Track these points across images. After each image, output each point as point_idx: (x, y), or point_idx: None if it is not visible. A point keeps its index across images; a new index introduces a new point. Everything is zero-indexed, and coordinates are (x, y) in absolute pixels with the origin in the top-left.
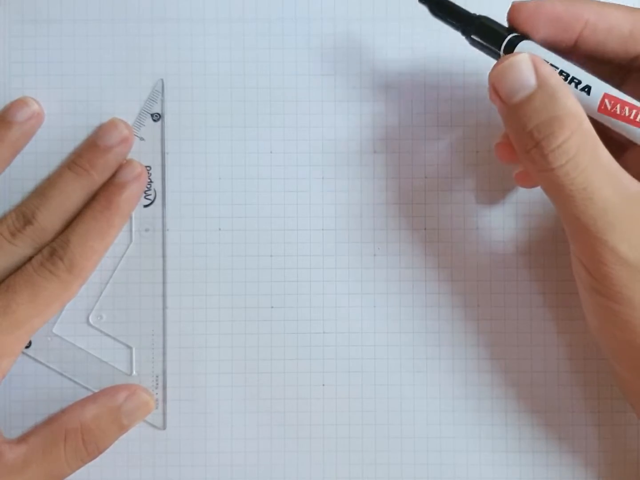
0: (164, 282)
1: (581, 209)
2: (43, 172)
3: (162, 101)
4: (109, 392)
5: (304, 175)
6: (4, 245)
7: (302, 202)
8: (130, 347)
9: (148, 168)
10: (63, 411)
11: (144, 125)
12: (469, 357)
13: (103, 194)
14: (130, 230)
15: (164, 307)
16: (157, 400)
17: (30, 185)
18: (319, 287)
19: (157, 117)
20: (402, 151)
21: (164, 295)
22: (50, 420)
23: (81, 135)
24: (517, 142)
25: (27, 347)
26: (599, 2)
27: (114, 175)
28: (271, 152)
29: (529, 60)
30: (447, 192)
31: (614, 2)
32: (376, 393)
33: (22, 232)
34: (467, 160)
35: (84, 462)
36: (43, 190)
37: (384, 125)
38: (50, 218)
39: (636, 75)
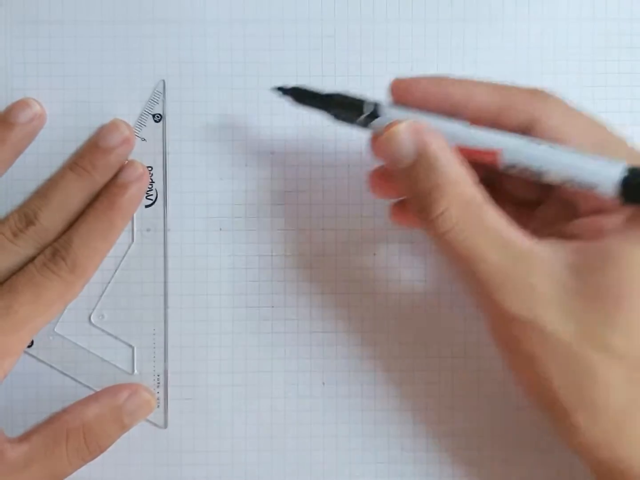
0: (165, 282)
1: (471, 270)
2: (45, 173)
3: (164, 102)
4: (111, 391)
5: (304, 175)
6: (6, 245)
7: (302, 202)
8: (131, 346)
9: (149, 168)
10: (65, 410)
11: (146, 126)
12: (467, 355)
13: (105, 195)
14: (132, 230)
15: (166, 307)
16: (158, 399)
17: (31, 186)
18: (319, 286)
19: (158, 117)
20: None
21: (165, 295)
22: (52, 419)
23: (83, 136)
24: (408, 201)
25: (29, 346)
26: (469, 81)
27: (116, 176)
28: (271, 153)
29: (409, 130)
30: None
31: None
32: (376, 392)
33: (24, 232)
34: None
35: (86, 461)
36: (45, 191)
37: None
38: (52, 218)
39: None
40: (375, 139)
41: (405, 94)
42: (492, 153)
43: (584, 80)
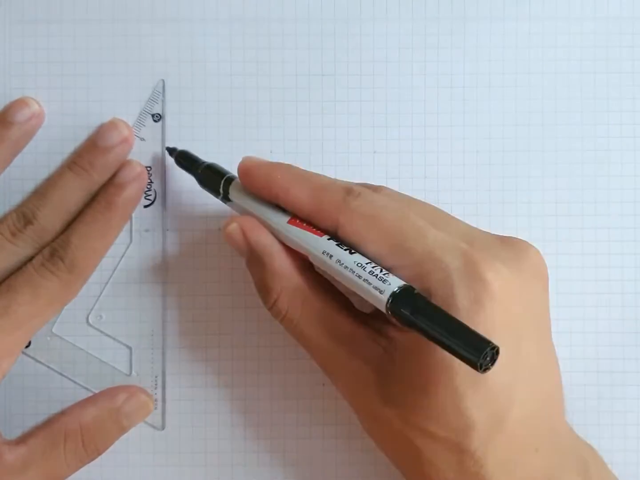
0: (163, 282)
1: (310, 353)
2: (43, 172)
3: (163, 102)
4: (109, 393)
5: None
6: (5, 245)
7: None
8: (129, 347)
9: (148, 168)
10: (62, 412)
11: (145, 126)
12: None
13: (103, 195)
14: (130, 231)
15: (164, 307)
16: (156, 400)
17: (30, 185)
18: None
19: (157, 117)
20: (402, 151)
21: (163, 296)
22: (50, 422)
23: (81, 136)
24: None
25: (26, 347)
26: (293, 175)
27: (114, 176)
28: (271, 152)
29: (238, 230)
30: (447, 192)
31: None
32: None
33: (23, 232)
34: (467, 160)
35: (84, 463)
36: (43, 190)
37: (384, 125)
38: (51, 218)
39: None
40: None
41: (247, 177)
42: (303, 256)
43: (585, 79)
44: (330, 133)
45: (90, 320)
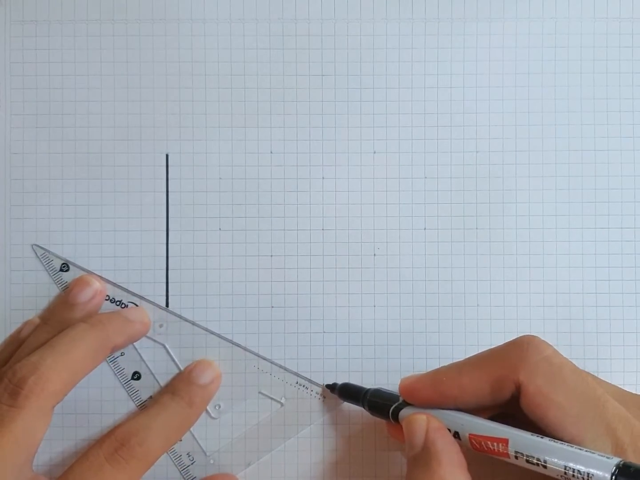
0: (166, 282)
1: None
2: (43, 173)
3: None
4: None
5: (304, 175)
6: (7, 413)
7: (302, 202)
8: (135, 348)
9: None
10: None
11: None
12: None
13: (185, 390)
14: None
15: (166, 307)
16: None
17: (29, 185)
18: (319, 287)
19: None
20: (402, 151)
21: (166, 296)
22: None
23: (81, 136)
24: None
25: None
26: (459, 371)
27: (192, 373)
28: (271, 152)
29: (423, 422)
30: (447, 192)
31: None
32: None
33: (24, 388)
34: (467, 160)
35: None
36: (52, 340)
37: (384, 125)
38: (56, 364)
39: (514, 409)
40: (390, 425)
41: (411, 396)
42: (502, 440)
43: (584, 79)
44: (330, 133)
45: None
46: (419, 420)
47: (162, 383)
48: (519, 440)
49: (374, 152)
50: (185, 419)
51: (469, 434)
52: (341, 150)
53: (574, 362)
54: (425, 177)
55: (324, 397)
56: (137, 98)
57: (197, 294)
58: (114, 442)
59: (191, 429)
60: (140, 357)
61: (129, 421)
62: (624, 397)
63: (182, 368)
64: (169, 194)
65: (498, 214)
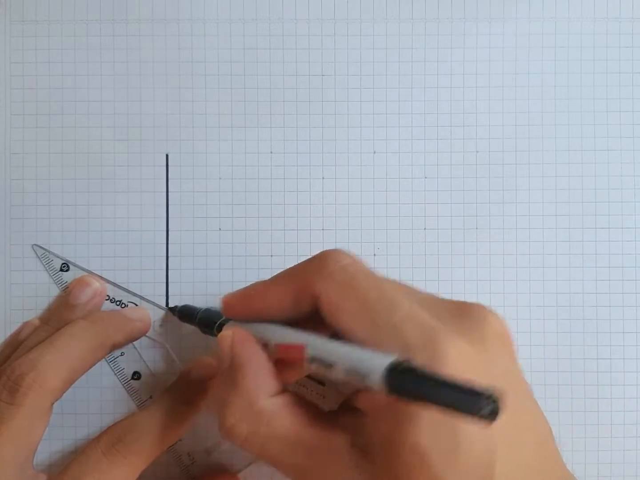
0: (166, 282)
1: (279, 470)
2: (43, 173)
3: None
4: None
5: (304, 175)
6: (7, 410)
7: (302, 202)
8: (136, 348)
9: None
10: None
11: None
12: None
13: (182, 389)
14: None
15: (166, 307)
16: None
17: (29, 186)
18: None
19: None
20: (402, 151)
21: (166, 296)
22: None
23: (81, 136)
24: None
25: None
26: (266, 285)
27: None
28: (271, 152)
29: (229, 338)
30: (447, 192)
31: None
32: None
33: (22, 384)
34: (467, 160)
35: None
36: (52, 337)
37: (384, 125)
38: (55, 362)
39: None
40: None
41: (227, 311)
42: (300, 347)
43: (584, 79)
44: (330, 133)
45: None
46: (225, 335)
47: (163, 383)
48: (314, 344)
49: (374, 152)
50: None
51: (274, 343)
52: (341, 150)
53: (574, 362)
54: (425, 177)
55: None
56: (137, 98)
57: (197, 294)
58: (111, 437)
59: (192, 428)
60: (140, 357)
61: (127, 418)
62: (435, 303)
63: (181, 368)
64: (169, 194)
65: (498, 214)
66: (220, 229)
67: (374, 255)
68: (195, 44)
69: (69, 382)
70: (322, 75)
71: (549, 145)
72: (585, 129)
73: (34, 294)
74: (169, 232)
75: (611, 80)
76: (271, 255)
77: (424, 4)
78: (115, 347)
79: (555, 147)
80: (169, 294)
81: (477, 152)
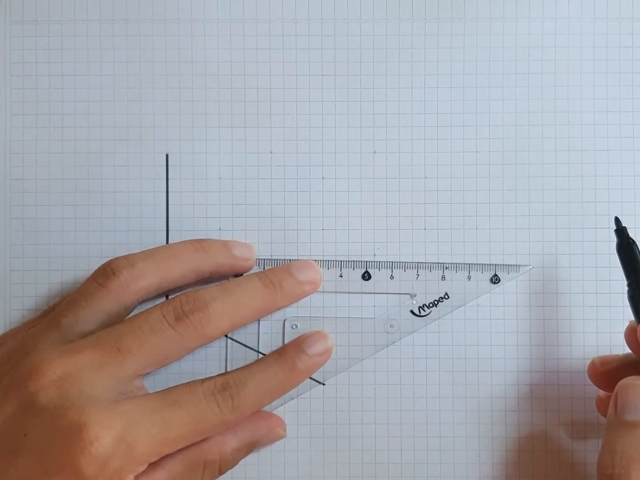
0: None
1: None
2: (43, 172)
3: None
4: (250, 423)
5: (304, 175)
6: (164, 330)
7: (302, 202)
8: None
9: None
10: (204, 440)
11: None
12: (468, 356)
13: (292, 355)
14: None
15: None
16: None
17: (29, 186)
18: (320, 287)
19: None
20: (402, 151)
21: (166, 296)
22: (189, 448)
23: (81, 136)
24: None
25: None
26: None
27: (303, 341)
28: (271, 152)
29: None
30: (447, 192)
31: None
32: (376, 392)
33: (189, 317)
34: (467, 160)
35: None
36: (227, 286)
37: (384, 125)
38: (222, 312)
39: None
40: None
41: None
42: None
43: (584, 80)
44: (330, 133)
45: None
46: None
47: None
48: None
49: (374, 152)
50: (282, 383)
51: None
52: (341, 150)
53: (574, 361)
54: (425, 177)
55: None
56: (137, 98)
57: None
58: (216, 385)
59: None
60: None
61: (229, 372)
62: None
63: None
64: (169, 194)
65: (498, 213)
66: (220, 229)
67: (374, 255)
68: (195, 44)
69: (225, 333)
70: (322, 75)
71: (549, 145)
72: (585, 129)
73: (34, 294)
74: (169, 232)
75: (611, 80)
76: (271, 256)
77: (424, 4)
78: (277, 309)
79: (555, 147)
80: (169, 294)
81: (477, 152)
